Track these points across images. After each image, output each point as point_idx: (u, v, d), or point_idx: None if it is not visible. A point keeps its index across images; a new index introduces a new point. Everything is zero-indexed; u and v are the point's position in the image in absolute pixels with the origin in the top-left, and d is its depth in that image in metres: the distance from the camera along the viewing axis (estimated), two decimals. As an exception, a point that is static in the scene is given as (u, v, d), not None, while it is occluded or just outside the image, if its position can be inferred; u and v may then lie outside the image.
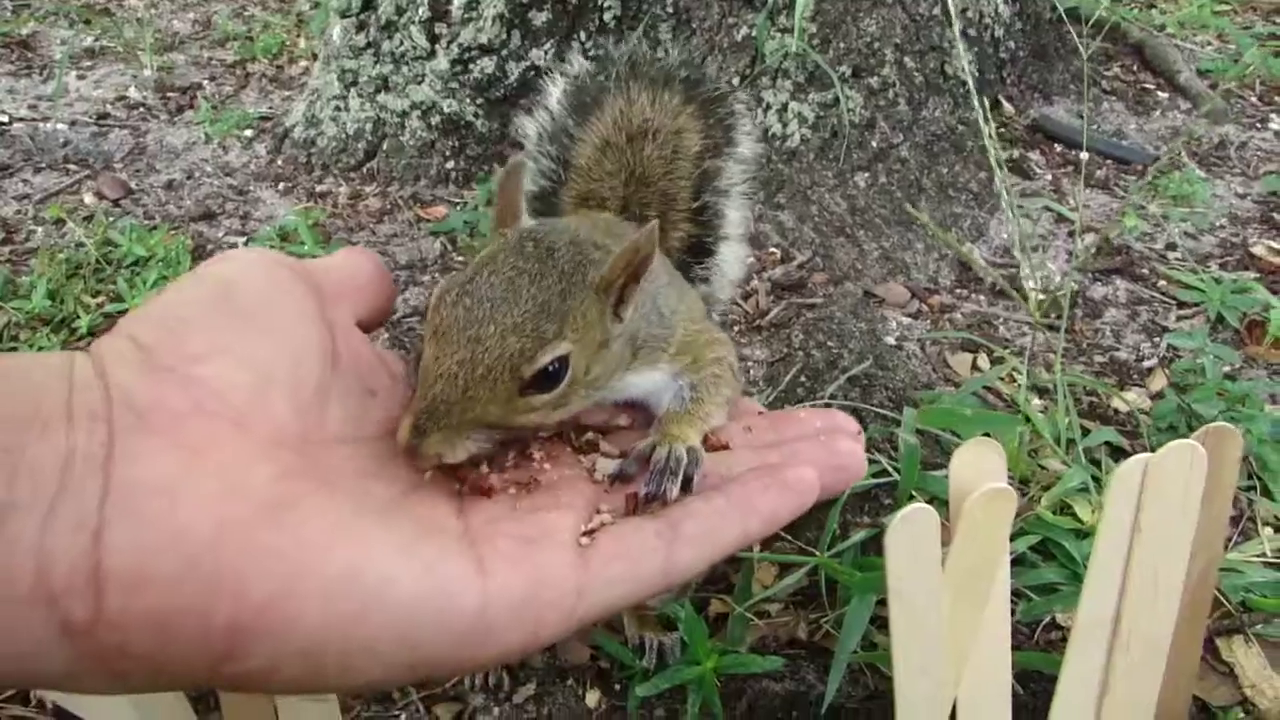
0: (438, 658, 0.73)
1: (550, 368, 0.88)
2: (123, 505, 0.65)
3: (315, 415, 0.81)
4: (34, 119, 2.94)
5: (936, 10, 2.66)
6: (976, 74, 2.84)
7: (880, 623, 1.37)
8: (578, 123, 1.27)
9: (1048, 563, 1.50)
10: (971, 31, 2.82)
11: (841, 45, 2.53)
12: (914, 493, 1.53)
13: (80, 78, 3.23)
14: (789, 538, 1.50)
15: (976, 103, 1.40)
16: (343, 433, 0.84)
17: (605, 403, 1.04)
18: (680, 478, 0.90)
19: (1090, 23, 3.43)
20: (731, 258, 1.35)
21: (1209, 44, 3.87)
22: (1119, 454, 1.77)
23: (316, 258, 1.00)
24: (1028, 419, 1.74)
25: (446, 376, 0.85)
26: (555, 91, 1.30)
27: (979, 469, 1.05)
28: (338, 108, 2.68)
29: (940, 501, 1.55)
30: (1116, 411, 1.90)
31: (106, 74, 3.26)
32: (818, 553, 1.42)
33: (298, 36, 3.59)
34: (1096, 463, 1.69)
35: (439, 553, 0.75)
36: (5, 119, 2.93)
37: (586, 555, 0.81)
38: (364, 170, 2.66)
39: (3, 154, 2.74)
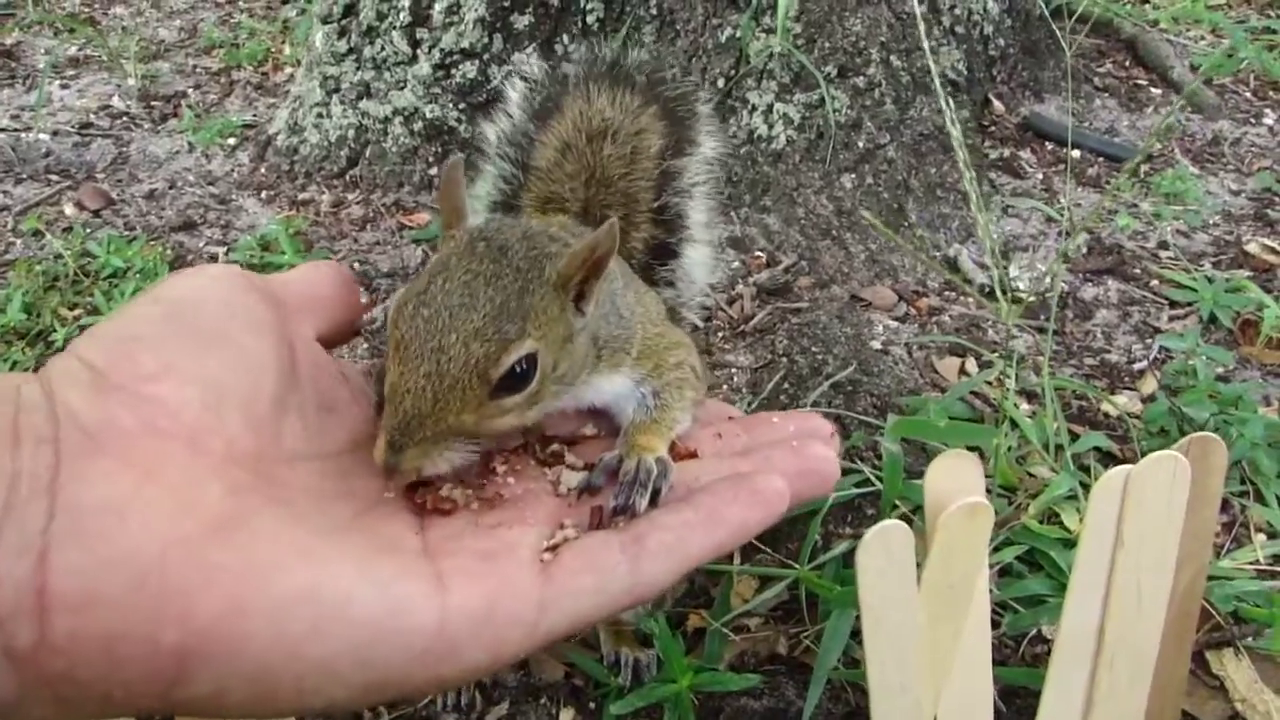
0: (398, 677, 0.71)
1: (518, 368, 0.86)
2: (69, 527, 0.64)
3: (271, 431, 0.80)
4: (16, 129, 2.91)
5: (922, 8, 2.64)
6: (965, 72, 2.81)
7: (862, 637, 1.34)
8: (538, 126, 1.26)
9: (1034, 573, 1.47)
10: (960, 29, 2.79)
11: (827, 45, 2.50)
12: (897, 502, 1.50)
13: (64, 87, 3.20)
14: (769, 550, 1.47)
15: (944, 102, 1.37)
16: (300, 449, 0.83)
17: (570, 409, 1.02)
18: (649, 490, 0.88)
19: (1075, 17, 3.39)
20: (697, 260, 1.32)
21: (1203, 39, 3.83)
22: (1109, 459, 1.74)
23: (292, 267, 0.99)
24: (1015, 424, 1.71)
25: (414, 391, 0.83)
26: (515, 95, 1.28)
27: (956, 481, 1.02)
28: (320, 114, 2.66)
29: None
30: (1106, 416, 1.87)
31: (90, 83, 3.23)
32: (798, 565, 1.39)
33: (283, 43, 3.56)
34: (1086, 469, 1.66)
35: (396, 570, 0.74)
36: (-13, 130, 2.91)
37: (549, 570, 0.79)
38: (347, 178, 2.63)
39: (-17, 165, 2.71)
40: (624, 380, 1.02)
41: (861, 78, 2.51)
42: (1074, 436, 1.75)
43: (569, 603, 0.78)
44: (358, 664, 0.69)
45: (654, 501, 0.88)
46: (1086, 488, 1.59)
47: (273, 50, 3.50)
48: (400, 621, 0.71)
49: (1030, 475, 1.64)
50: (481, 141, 1.29)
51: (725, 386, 1.87)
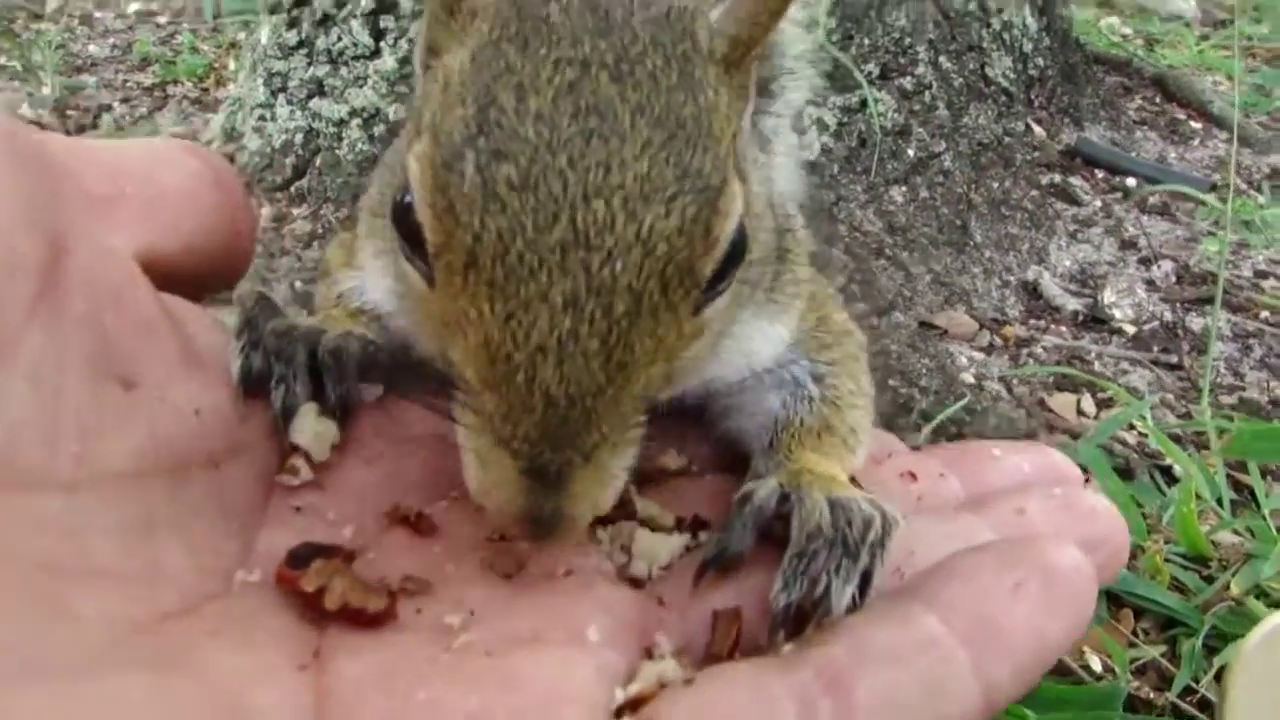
0: None
1: (736, 239, 0.44)
2: None
3: None
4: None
5: (972, 4, 2.29)
6: (1013, 86, 2.47)
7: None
8: None
9: None
10: (1006, 37, 2.45)
11: (866, 42, 2.14)
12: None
13: (-36, 96, 2.76)
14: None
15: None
16: (34, 461, 0.39)
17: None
18: (859, 566, 0.44)
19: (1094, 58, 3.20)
20: (784, 156, 0.87)
21: (1219, 84, 3.70)
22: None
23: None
24: (1169, 475, 1.30)
25: (558, 348, 0.39)
26: None
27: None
28: (263, 117, 2.23)
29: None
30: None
31: (-2, 92, 2.80)
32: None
33: (228, 58, 3.16)
34: None
35: None
36: None
37: None
38: (292, 190, 2.20)
39: None
40: (778, 338, 0.58)
41: (909, 79, 2.14)
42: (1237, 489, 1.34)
43: None
44: None
45: (864, 590, 0.45)
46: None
47: (215, 66, 3.10)
48: None
49: (1213, 544, 1.22)
50: None
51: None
